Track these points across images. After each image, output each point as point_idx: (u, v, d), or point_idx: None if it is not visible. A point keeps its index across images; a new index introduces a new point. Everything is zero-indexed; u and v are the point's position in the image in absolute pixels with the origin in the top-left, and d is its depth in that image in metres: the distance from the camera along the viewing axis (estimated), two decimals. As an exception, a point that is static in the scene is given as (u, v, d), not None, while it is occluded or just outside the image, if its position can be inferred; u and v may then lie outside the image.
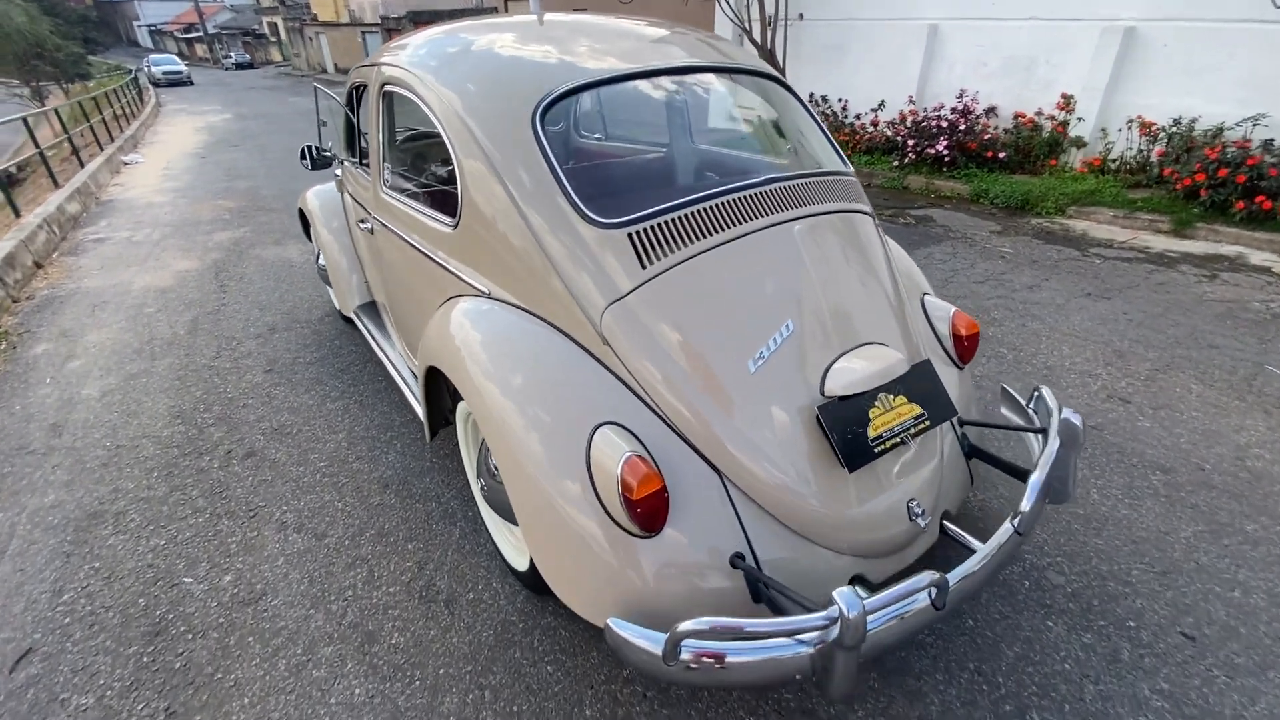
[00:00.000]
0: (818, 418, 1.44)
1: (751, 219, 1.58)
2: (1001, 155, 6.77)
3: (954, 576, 1.36)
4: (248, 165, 9.43)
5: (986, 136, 6.92)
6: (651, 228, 1.51)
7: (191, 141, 12.30)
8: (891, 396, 1.52)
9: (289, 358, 3.51)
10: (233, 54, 42.49)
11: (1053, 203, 5.90)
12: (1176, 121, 5.82)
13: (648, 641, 1.23)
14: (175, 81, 29.71)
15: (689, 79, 2.08)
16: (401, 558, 2.08)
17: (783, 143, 2.09)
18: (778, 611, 1.36)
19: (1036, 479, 1.51)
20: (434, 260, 1.96)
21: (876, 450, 1.45)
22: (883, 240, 1.87)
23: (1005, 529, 1.47)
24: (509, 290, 1.67)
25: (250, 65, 40.93)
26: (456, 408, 2.02)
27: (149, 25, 59.62)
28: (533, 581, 1.82)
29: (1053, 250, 4.94)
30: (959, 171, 6.87)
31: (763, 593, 1.38)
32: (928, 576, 1.25)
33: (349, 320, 3.49)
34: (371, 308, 3.27)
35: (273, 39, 44.61)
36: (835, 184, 1.81)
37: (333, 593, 1.96)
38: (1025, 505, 1.48)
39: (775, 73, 2.09)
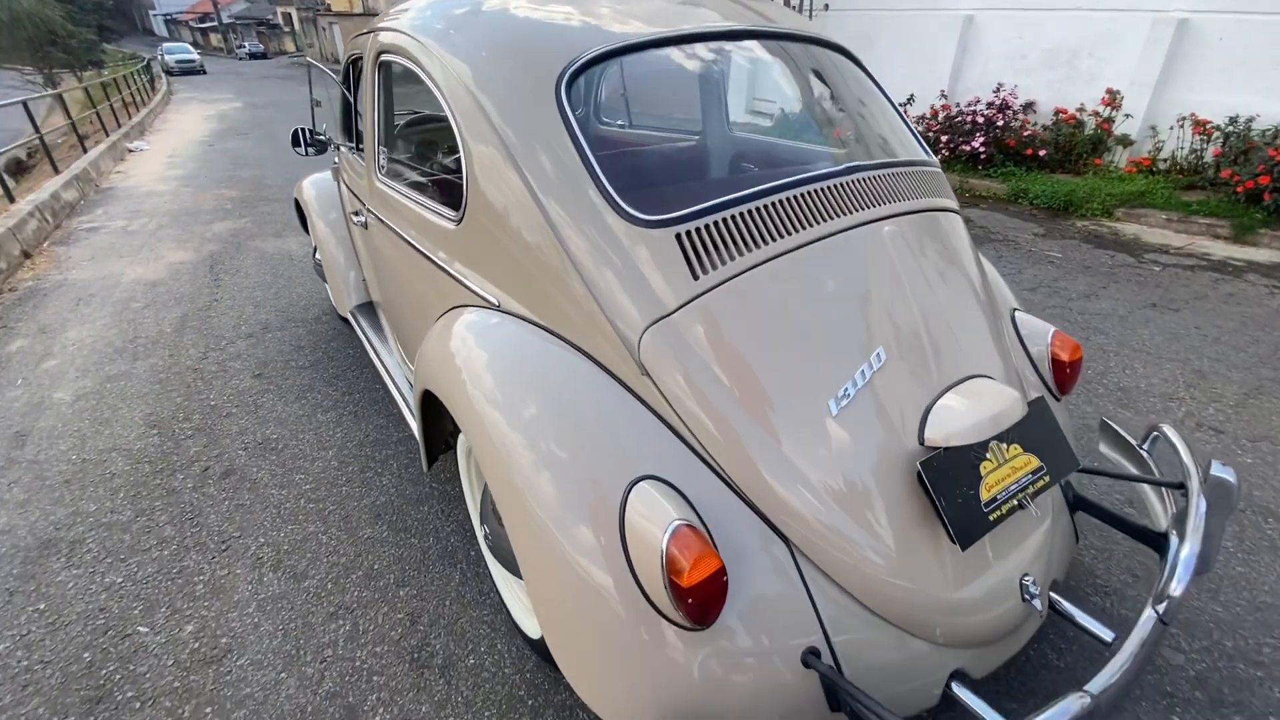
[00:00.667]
0: (919, 475, 1.12)
1: (830, 218, 1.26)
2: (1041, 153, 6.39)
3: (1096, 686, 1.04)
4: (255, 154, 9.18)
5: (1025, 133, 6.55)
6: (706, 227, 1.20)
7: (200, 129, 12.08)
8: (1005, 446, 1.20)
9: (281, 361, 3.23)
10: (246, 44, 42.38)
11: (1099, 204, 5.53)
12: (1233, 120, 5.43)
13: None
14: (188, 70, 29.61)
15: (734, 49, 1.74)
16: (392, 607, 1.79)
17: (848, 125, 1.76)
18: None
19: (1186, 552, 1.19)
20: (434, 262, 1.65)
21: (992, 518, 1.14)
22: (974, 246, 1.55)
23: (1148, 618, 1.15)
24: (524, 303, 1.36)
25: (264, 55, 40.78)
26: (459, 434, 1.71)
27: (164, 15, 59.74)
28: (546, 650, 1.52)
29: (1104, 255, 4.58)
30: (995, 170, 6.49)
31: (843, 701, 1.07)
32: (1076, 701, 0.94)
33: (347, 320, 3.20)
34: (370, 308, 2.97)
35: (286, 29, 44.50)
36: (919, 176, 1.49)
37: (309, 651, 1.67)
38: (1175, 587, 1.16)
39: (839, 43, 1.77)
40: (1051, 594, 1.31)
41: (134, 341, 3.50)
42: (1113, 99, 6.15)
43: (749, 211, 1.22)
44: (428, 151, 2.16)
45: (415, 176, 1.96)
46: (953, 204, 1.52)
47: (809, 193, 1.27)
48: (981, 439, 1.15)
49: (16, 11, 13.87)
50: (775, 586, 1.10)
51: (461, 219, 1.49)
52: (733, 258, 1.18)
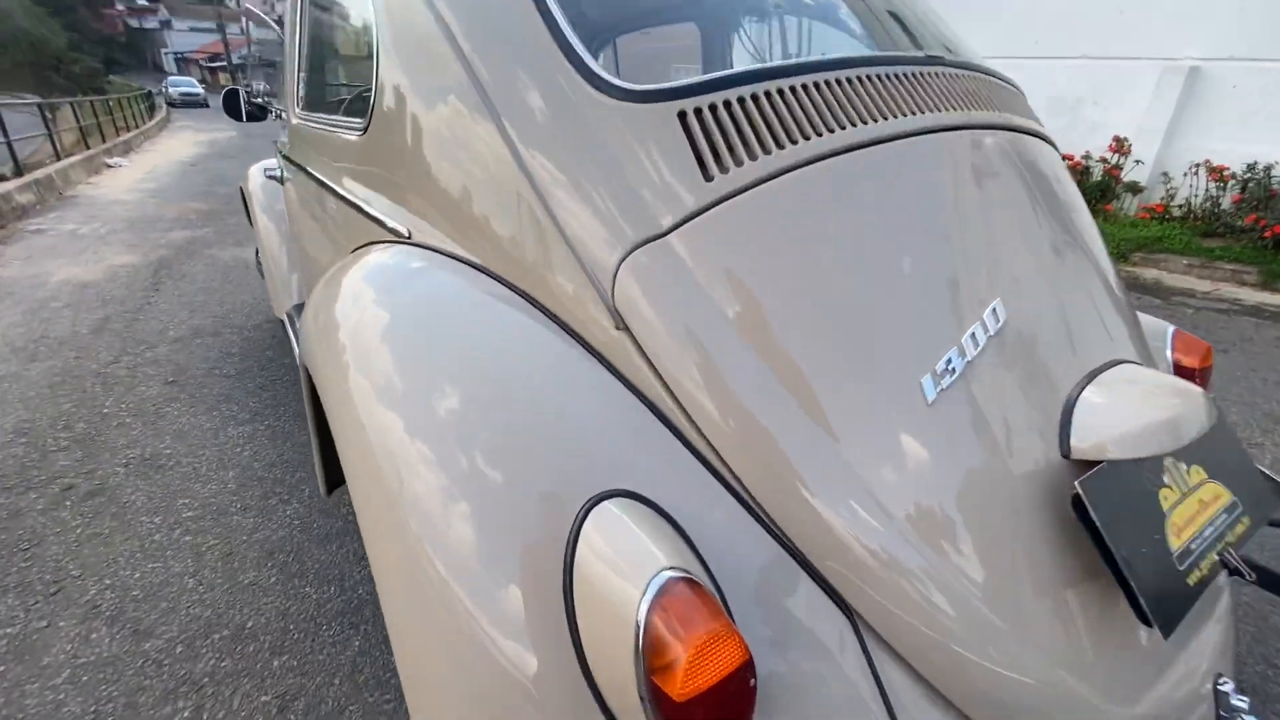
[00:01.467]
0: (1076, 500, 0.67)
1: (908, 113, 0.84)
2: (1050, 198, 6.16)
3: None
4: (236, 174, 8.84)
5: (1032, 178, 6.34)
6: (727, 105, 0.76)
7: (187, 152, 11.82)
8: (1185, 469, 0.76)
9: (203, 368, 2.75)
10: (251, 83, 43.15)
11: (1113, 249, 5.25)
12: (1251, 167, 5.23)
13: None
14: (191, 102, 29.87)
15: None
16: (258, 684, 1.27)
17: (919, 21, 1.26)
18: None
19: None
20: (335, 192, 1.20)
21: (1192, 581, 0.68)
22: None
23: None
24: (445, 228, 0.92)
25: (270, 94, 41.46)
26: None
27: (175, 53, 61.19)
28: None
29: (1132, 298, 4.24)
30: (1002, 213, 6.25)
31: None
32: None
33: (284, 323, 2.75)
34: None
35: (294, 71, 45.38)
36: (1010, 95, 1.08)
37: (122, 749, 1.15)
38: None
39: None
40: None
41: (38, 342, 3.01)
42: (1120, 145, 5.99)
43: (794, 89, 0.79)
44: (343, 62, 1.65)
45: (328, 96, 1.53)
46: (1045, 130, 1.10)
47: (880, 76, 0.85)
48: (1156, 453, 0.70)
49: (9, 26, 13.74)
50: (830, 693, 0.63)
51: (368, 123, 1.06)
52: (766, 152, 0.75)
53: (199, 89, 31.39)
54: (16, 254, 4.55)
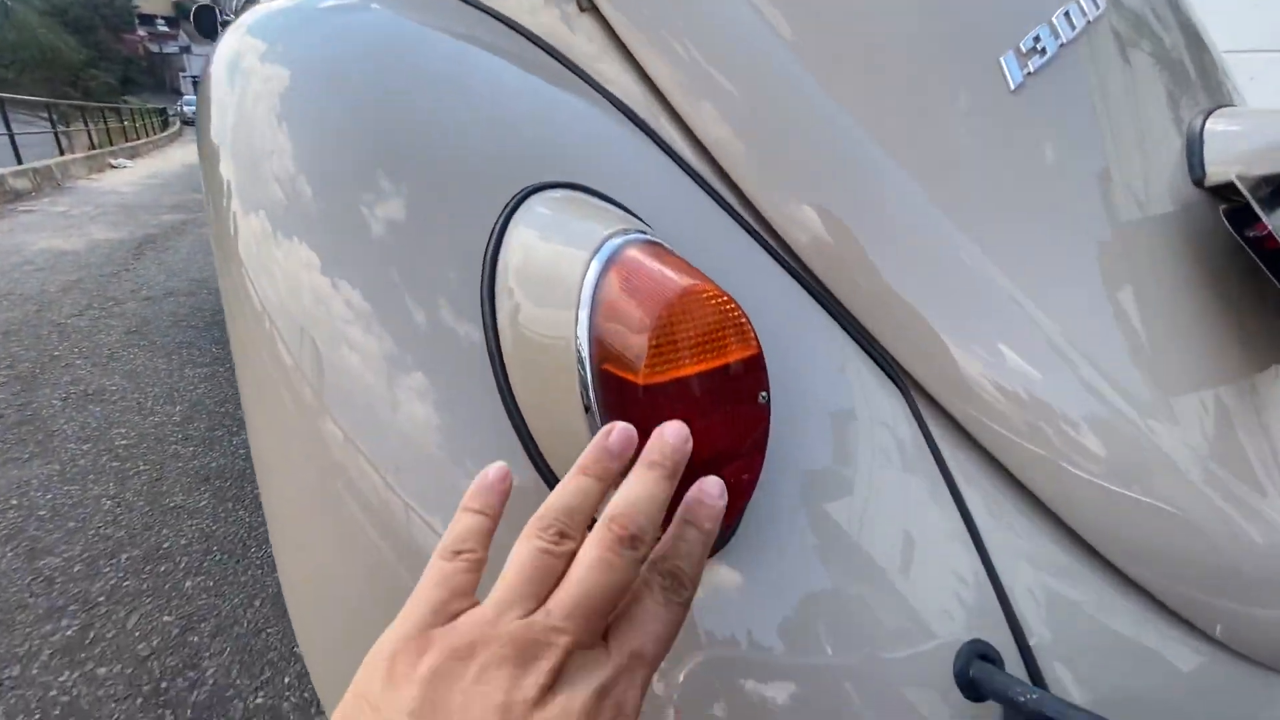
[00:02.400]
0: (1227, 218, 0.47)
1: None
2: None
3: None
4: (239, 174, 8.83)
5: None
6: None
7: (193, 157, 11.87)
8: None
9: (169, 320, 2.57)
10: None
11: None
12: None
13: None
14: (204, 120, 30.35)
15: None
16: (162, 604, 1.06)
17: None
18: None
19: None
20: None
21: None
22: None
23: None
24: None
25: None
26: None
27: (192, 76, 62.73)
28: None
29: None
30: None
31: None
32: None
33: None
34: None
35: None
36: None
37: (-18, 667, 0.93)
38: None
39: None
40: None
41: (3, 297, 2.84)
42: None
43: None
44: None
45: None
46: None
47: None
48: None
49: (26, 36, 13.97)
50: (887, 484, 0.42)
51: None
52: None
53: (214, 108, 31.91)
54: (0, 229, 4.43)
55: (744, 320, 0.33)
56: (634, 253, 0.34)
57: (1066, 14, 0.52)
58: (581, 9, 0.53)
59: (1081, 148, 0.50)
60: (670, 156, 0.50)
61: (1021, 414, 0.43)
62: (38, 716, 0.86)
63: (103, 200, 5.85)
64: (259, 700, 0.89)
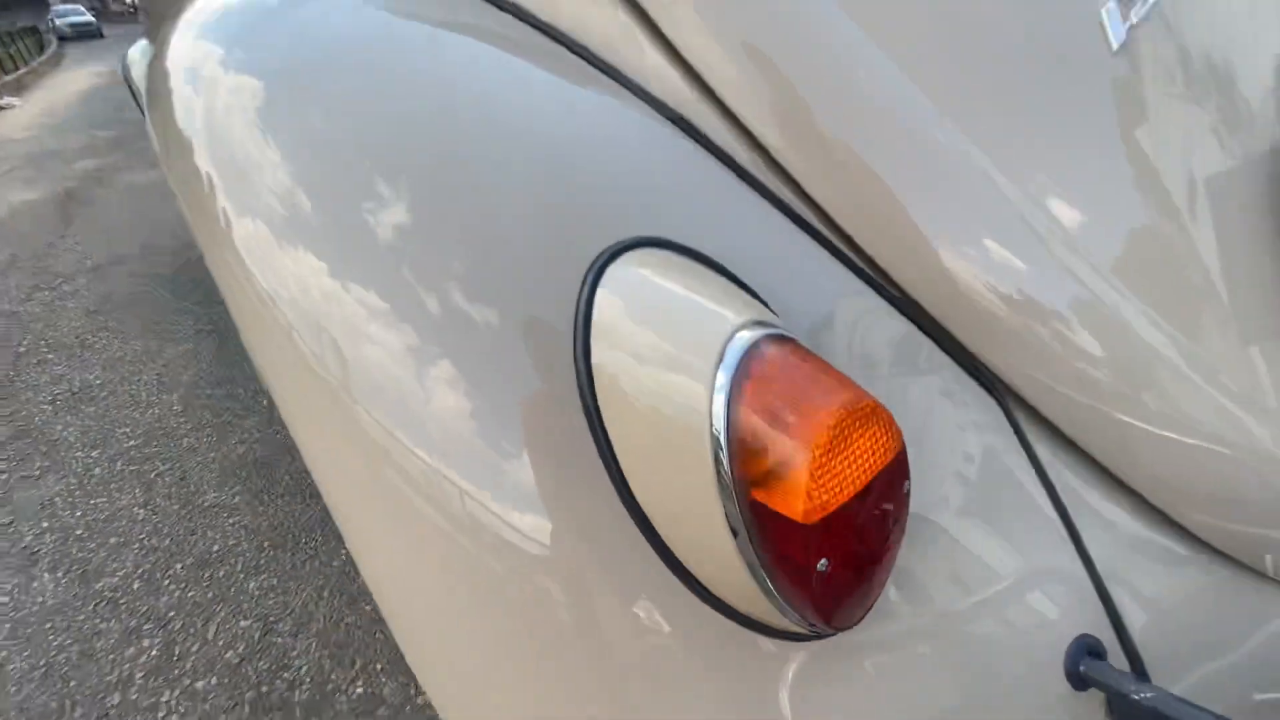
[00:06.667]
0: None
1: None
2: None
3: None
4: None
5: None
6: None
7: (87, 84, 10.60)
8: None
9: (128, 294, 2.42)
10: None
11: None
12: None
13: None
14: (84, 33, 26.81)
15: None
16: (234, 610, 1.09)
17: None
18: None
19: None
20: None
21: None
22: None
23: None
24: None
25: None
26: None
27: (56, -20, 54.51)
28: None
29: None
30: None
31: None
32: None
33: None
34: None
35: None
36: None
37: (83, 699, 0.97)
38: None
39: None
40: None
41: (-64, 290, 2.63)
42: None
43: None
44: None
45: None
46: None
47: None
48: None
49: None
50: (996, 499, 0.42)
51: None
52: None
53: (90, 17, 28.10)
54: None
55: (892, 421, 0.31)
56: (770, 356, 0.31)
57: None
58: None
59: (1168, 77, 0.45)
60: (738, 175, 0.44)
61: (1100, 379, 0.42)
62: (153, 737, 0.91)
63: (3, 152, 5.28)
64: (359, 690, 0.94)
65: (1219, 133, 0.47)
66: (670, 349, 0.33)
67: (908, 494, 0.34)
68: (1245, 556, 0.47)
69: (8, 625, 1.11)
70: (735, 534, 0.31)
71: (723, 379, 0.31)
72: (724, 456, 0.30)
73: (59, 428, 1.64)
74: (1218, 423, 0.45)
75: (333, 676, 0.96)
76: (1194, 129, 0.46)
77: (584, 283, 0.37)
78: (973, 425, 0.44)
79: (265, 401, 1.65)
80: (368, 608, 1.07)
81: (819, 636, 0.34)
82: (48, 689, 0.98)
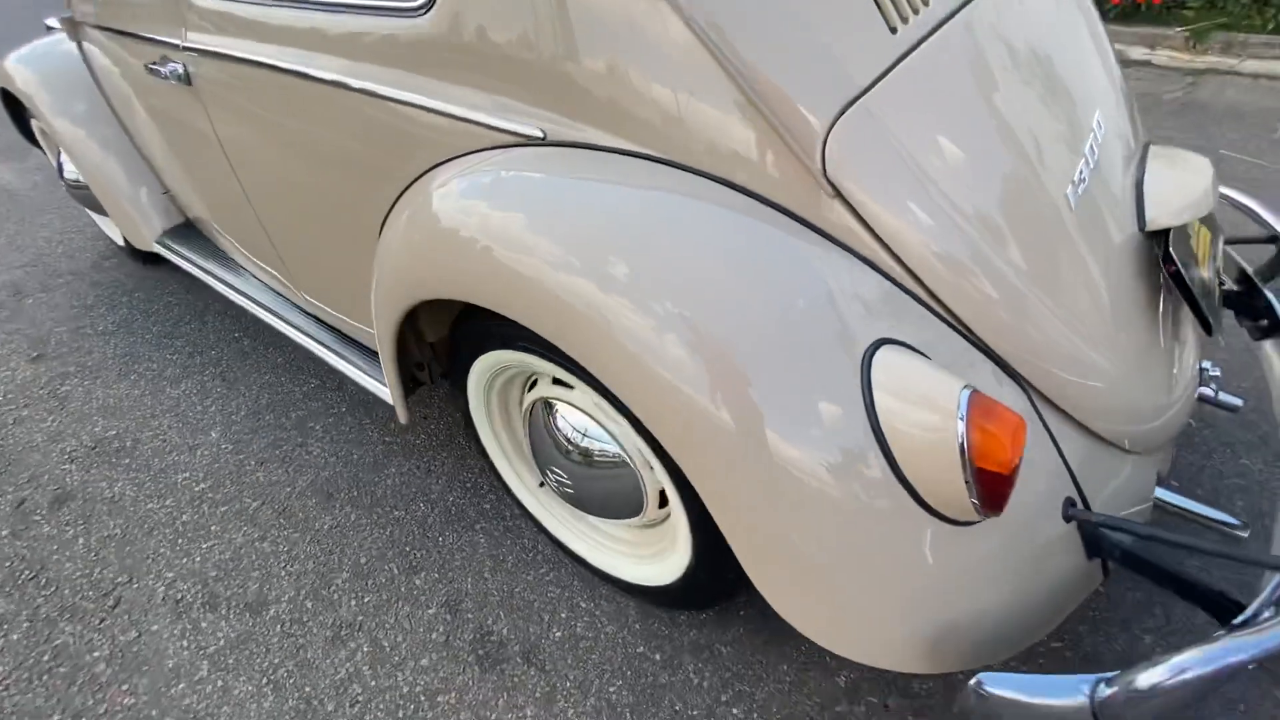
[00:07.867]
0: (1164, 258, 0.91)
1: None
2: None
3: None
4: None
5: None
6: None
7: None
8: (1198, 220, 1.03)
9: (66, 331, 2.27)
10: None
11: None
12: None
13: (1066, 696, 0.71)
14: None
15: None
16: (414, 603, 1.34)
17: None
18: (1135, 568, 0.90)
19: None
20: (378, 96, 1.02)
21: (1217, 299, 0.98)
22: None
23: None
24: (594, 121, 0.86)
25: None
26: (470, 366, 1.20)
27: None
28: (643, 591, 1.22)
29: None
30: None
31: (1103, 544, 0.91)
32: None
33: (150, 257, 2.31)
34: (188, 231, 2.14)
35: None
36: None
37: (327, 698, 1.20)
38: None
39: None
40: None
41: None
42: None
43: None
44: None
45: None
46: None
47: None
48: (1200, 215, 0.95)
49: None
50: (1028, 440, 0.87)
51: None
52: (925, 4, 0.79)
53: None
54: None
55: (1024, 426, 0.72)
56: (976, 399, 0.71)
57: (1092, 145, 0.87)
58: (832, 193, 0.79)
59: (1097, 212, 0.89)
60: (902, 290, 0.82)
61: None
62: (411, 709, 1.17)
63: None
64: (558, 633, 1.26)
65: (1123, 212, 0.92)
66: (923, 397, 0.71)
67: (1022, 461, 0.75)
68: (1116, 440, 0.96)
69: (204, 665, 1.27)
70: (969, 480, 0.71)
71: (961, 416, 0.70)
72: (964, 451, 0.69)
73: (103, 484, 1.66)
74: (1105, 369, 0.92)
75: (534, 630, 1.27)
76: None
77: (862, 361, 0.74)
78: (1016, 400, 0.86)
79: (317, 428, 1.78)
80: (529, 576, 1.37)
81: (975, 522, 0.76)
82: (289, 705, 1.20)
